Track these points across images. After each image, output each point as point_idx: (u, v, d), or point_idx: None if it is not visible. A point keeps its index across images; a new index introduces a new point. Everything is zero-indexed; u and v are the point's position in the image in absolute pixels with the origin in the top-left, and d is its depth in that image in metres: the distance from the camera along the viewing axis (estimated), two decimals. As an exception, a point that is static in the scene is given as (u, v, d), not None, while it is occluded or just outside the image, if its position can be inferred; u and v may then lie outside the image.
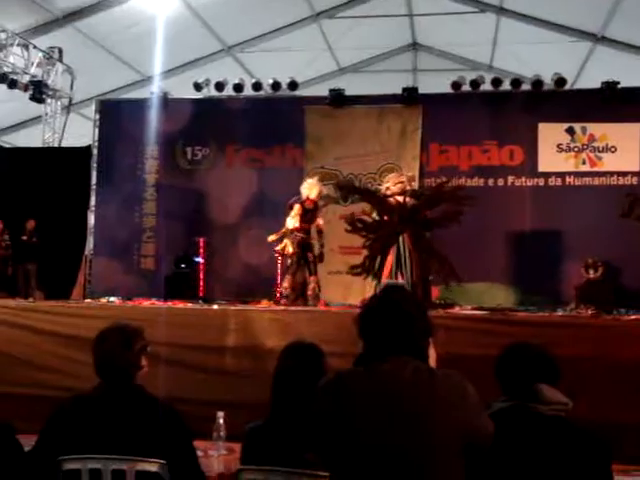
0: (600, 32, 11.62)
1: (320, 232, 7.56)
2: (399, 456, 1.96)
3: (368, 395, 2.05)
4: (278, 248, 7.38)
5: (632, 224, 7.08)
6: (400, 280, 6.42)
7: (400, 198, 6.84)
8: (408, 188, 6.95)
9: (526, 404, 2.42)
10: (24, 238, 9.76)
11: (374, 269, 6.66)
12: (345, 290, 8.53)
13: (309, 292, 7.42)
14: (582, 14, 11.32)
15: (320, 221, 7.58)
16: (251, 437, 2.64)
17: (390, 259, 6.63)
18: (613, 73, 9.49)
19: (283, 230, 7.35)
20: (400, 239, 6.64)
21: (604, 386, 4.98)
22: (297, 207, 7.34)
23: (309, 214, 7.44)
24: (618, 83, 9.27)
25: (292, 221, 7.28)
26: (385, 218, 6.80)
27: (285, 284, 7.23)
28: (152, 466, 2.49)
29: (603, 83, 9.32)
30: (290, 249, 7.27)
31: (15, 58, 10.59)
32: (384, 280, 6.55)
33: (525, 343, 2.66)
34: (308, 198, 7.39)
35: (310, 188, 7.44)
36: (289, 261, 7.32)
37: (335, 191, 8.75)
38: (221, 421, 3.26)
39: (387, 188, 6.98)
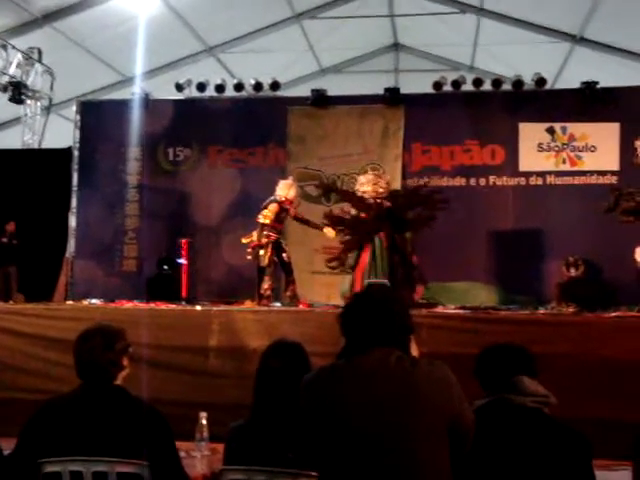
0: (579, 33, 11.72)
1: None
2: (386, 442, 1.98)
3: (352, 386, 2.07)
4: (246, 241, 7.30)
5: (613, 221, 7.13)
6: (382, 279, 6.45)
7: (378, 200, 6.87)
8: (381, 190, 6.95)
9: (507, 397, 2.43)
10: (4, 240, 9.62)
11: (349, 262, 6.69)
12: (329, 290, 8.51)
13: (288, 293, 7.41)
14: (561, 15, 11.41)
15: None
16: (233, 437, 2.63)
17: (365, 257, 6.66)
18: (592, 73, 9.56)
19: (255, 232, 7.28)
20: (376, 239, 6.68)
21: (587, 383, 5.03)
22: (274, 205, 7.32)
23: (283, 214, 7.44)
24: (597, 83, 9.33)
25: (266, 215, 7.23)
26: (363, 215, 6.83)
27: (265, 285, 7.20)
28: (134, 468, 2.47)
29: (582, 83, 9.38)
30: (262, 251, 7.19)
31: (-7, 59, 10.46)
32: (358, 277, 6.59)
33: (503, 343, 2.69)
34: (286, 198, 7.39)
35: (288, 188, 7.45)
36: (265, 262, 7.24)
37: (317, 191, 8.78)
38: (204, 422, 3.24)
39: (364, 192, 6.98)
